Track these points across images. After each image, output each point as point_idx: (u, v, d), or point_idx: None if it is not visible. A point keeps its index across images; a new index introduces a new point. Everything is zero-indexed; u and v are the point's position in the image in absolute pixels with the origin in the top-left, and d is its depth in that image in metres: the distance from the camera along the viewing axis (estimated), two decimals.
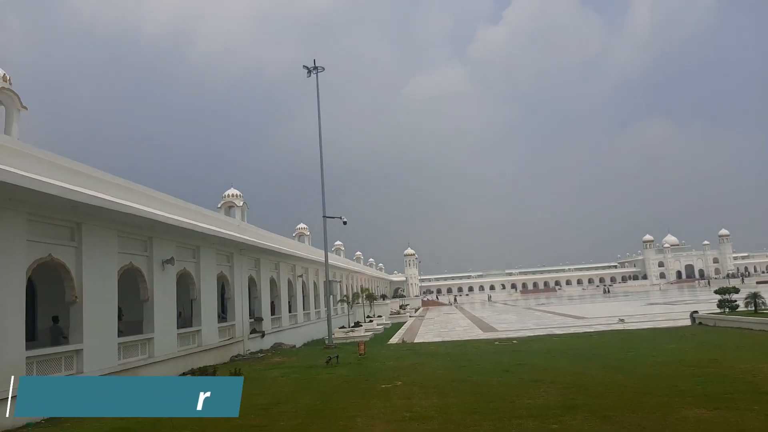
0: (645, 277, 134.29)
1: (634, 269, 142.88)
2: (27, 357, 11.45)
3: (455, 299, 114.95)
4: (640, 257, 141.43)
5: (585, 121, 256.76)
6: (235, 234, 22.40)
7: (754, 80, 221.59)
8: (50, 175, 12.00)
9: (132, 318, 16.95)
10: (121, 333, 15.79)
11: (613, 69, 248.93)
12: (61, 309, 13.80)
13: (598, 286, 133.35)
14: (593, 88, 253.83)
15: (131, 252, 15.89)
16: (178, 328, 18.29)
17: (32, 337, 14.25)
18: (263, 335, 25.46)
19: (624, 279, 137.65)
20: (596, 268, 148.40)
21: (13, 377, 10.70)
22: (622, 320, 31.03)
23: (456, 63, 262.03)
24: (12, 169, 10.46)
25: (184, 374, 17.11)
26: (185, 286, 19.59)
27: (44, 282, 15.44)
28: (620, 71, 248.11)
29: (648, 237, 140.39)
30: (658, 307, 43.99)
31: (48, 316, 15.79)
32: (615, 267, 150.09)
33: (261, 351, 23.91)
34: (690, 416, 8.13)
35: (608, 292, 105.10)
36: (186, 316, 20.66)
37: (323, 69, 27.39)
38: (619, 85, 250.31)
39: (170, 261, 17.45)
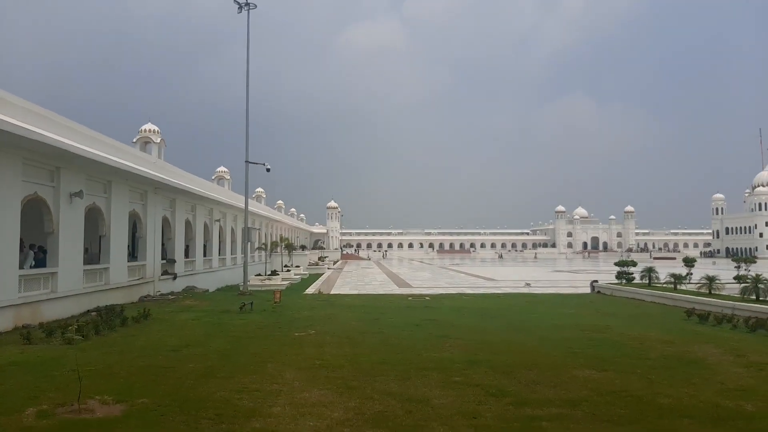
0: (554, 246, 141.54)
1: (544, 237, 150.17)
2: None
3: (384, 254, 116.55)
4: (551, 226, 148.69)
5: (512, 91, 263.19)
6: (150, 171, 21.45)
7: (678, 68, 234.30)
8: None
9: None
10: (32, 265, 15.11)
11: (545, 44, 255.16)
12: None
13: (509, 250, 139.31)
14: (523, 60, 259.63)
15: (36, 182, 14.91)
16: (84, 264, 17.52)
17: None
18: (175, 277, 24.88)
19: (535, 246, 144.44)
20: (510, 234, 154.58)
21: None
22: (528, 284, 32.73)
23: (393, 17, 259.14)
24: None
25: (88, 311, 16.51)
26: (94, 221, 18.69)
27: None
28: (550, 47, 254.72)
29: (560, 208, 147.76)
30: (563, 275, 46.66)
31: None
32: (527, 234, 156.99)
33: (172, 293, 23.38)
34: (580, 376, 8.81)
35: (501, 257, 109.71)
36: (93, 253, 19.79)
37: (255, 6, 26.21)
38: (547, 60, 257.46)
39: (79, 194, 16.53)
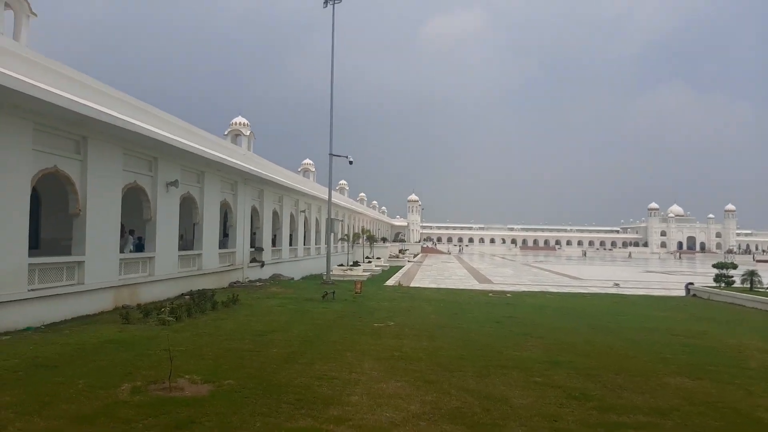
0: (646, 245, 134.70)
1: (636, 236, 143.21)
2: (29, 264, 11.64)
3: (461, 249, 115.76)
4: (643, 224, 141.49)
5: (602, 81, 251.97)
6: (240, 163, 22.36)
7: None
8: (58, 85, 11.87)
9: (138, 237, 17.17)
10: (131, 250, 16.17)
11: (638, 30, 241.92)
12: (65, 221, 13.95)
13: (597, 249, 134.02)
14: (614, 48, 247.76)
15: (136, 171, 15.90)
16: (179, 250, 18.54)
17: (35, 246, 14.50)
18: (263, 265, 25.83)
19: (624, 244, 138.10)
20: (598, 231, 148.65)
21: (15, 282, 11.01)
22: (617, 284, 31.33)
23: (477, 7, 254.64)
24: (19, 76, 10.33)
25: (182, 295, 17.47)
26: (188, 210, 19.73)
27: (49, 193, 15.58)
28: (644, 33, 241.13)
29: (653, 205, 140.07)
30: (654, 276, 44.29)
31: (53, 226, 16.04)
32: (617, 232, 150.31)
33: (260, 280, 24.31)
34: (671, 383, 8.30)
35: (585, 255, 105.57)
36: (188, 240, 20.92)
37: (340, 1, 26.55)
38: (641, 48, 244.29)
39: (174, 183, 17.50)
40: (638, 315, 17.33)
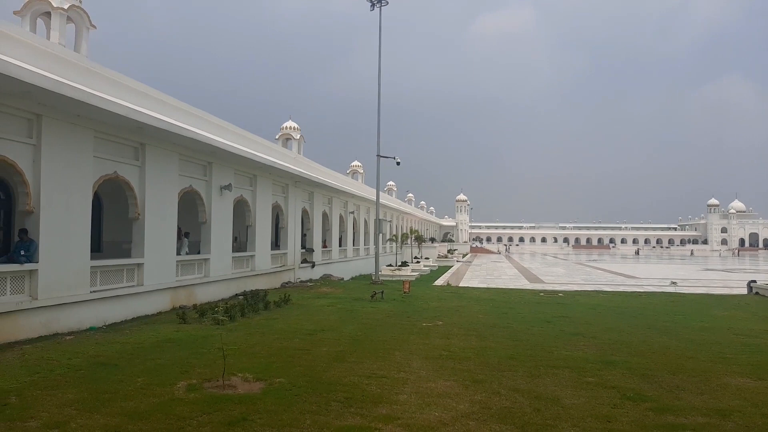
0: (705, 242, 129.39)
1: (694, 233, 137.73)
2: (92, 266, 12.21)
3: (507, 248, 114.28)
4: (702, 221, 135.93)
5: (656, 75, 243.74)
6: (291, 166, 22.77)
7: None
8: (117, 94, 12.38)
9: (191, 239, 17.74)
10: (187, 252, 16.70)
11: (694, 22, 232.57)
12: (124, 225, 14.55)
13: (654, 246, 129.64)
14: (670, 41, 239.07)
15: (191, 175, 16.44)
16: (233, 251, 19.05)
17: (98, 249, 15.18)
18: (313, 266, 26.22)
19: (683, 242, 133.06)
20: (654, 229, 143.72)
21: (78, 284, 11.57)
22: (674, 283, 30.23)
23: (525, 3, 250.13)
24: (81, 87, 10.85)
25: (236, 295, 17.94)
26: (241, 212, 20.23)
27: (110, 198, 16.28)
28: (702, 25, 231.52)
29: (713, 201, 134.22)
30: (714, 274, 42.51)
31: (114, 230, 16.75)
32: (674, 229, 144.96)
33: (310, 280, 24.71)
34: (732, 384, 7.98)
35: (638, 254, 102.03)
36: (241, 242, 21.45)
37: (387, 3, 26.66)
38: (698, 40, 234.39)
39: (228, 187, 17.99)
40: (697, 314, 16.69)
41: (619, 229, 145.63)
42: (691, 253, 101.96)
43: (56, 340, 10.30)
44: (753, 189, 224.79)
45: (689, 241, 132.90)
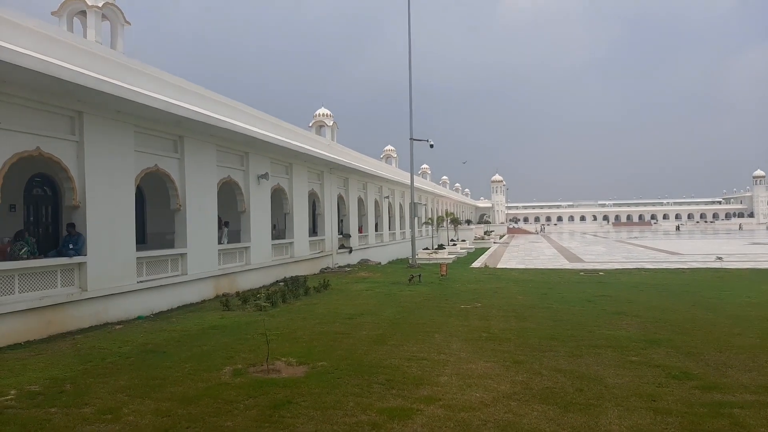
0: (752, 215, 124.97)
1: (740, 206, 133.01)
2: (137, 258, 12.61)
3: (542, 228, 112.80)
4: (748, 194, 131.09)
5: (695, 43, 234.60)
6: (325, 153, 22.93)
7: None
8: (155, 89, 12.67)
9: (231, 228, 18.12)
10: (227, 241, 17.05)
11: None
12: (166, 216, 14.95)
13: (698, 222, 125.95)
14: (706, 6, 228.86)
15: (229, 166, 16.73)
16: (272, 239, 19.38)
17: (142, 240, 15.64)
18: (351, 251, 26.46)
19: (728, 216, 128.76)
20: (697, 203, 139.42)
21: (125, 275, 11.98)
22: (719, 258, 29.38)
23: None
24: (120, 83, 11.14)
25: (277, 282, 18.27)
26: (279, 200, 20.52)
27: (152, 190, 16.72)
28: None
29: (759, 172, 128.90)
30: (762, 248, 41.13)
31: (157, 221, 17.22)
32: (719, 203, 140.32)
33: (348, 265, 24.95)
34: None
35: (679, 229, 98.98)
36: (280, 229, 21.79)
37: None
38: (736, 4, 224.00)
39: (265, 176, 18.25)
40: (744, 289, 16.23)
41: (661, 204, 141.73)
42: (740, 227, 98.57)
43: (106, 330, 10.73)
44: None
45: (734, 215, 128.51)
